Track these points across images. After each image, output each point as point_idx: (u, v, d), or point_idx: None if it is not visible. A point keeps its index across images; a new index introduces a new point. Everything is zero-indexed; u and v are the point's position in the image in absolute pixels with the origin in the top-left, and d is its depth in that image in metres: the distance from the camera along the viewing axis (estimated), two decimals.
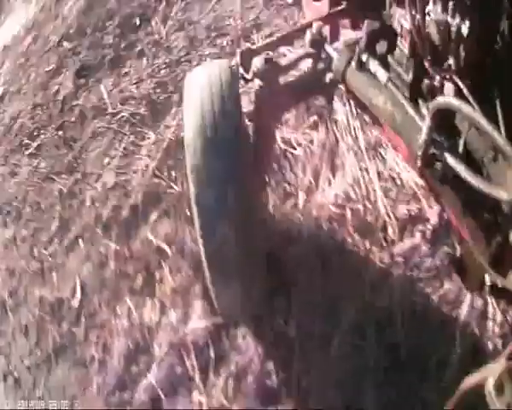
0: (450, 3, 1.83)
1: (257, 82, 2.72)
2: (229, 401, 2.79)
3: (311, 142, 3.56)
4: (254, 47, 2.87)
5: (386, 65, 2.31)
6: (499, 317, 2.72)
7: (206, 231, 2.34)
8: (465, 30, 1.80)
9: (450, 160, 1.90)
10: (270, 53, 2.71)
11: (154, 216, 3.44)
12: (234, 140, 2.34)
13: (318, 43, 2.74)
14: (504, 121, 1.73)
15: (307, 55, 2.79)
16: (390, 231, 3.14)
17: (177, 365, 2.89)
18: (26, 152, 4.12)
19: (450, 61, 1.91)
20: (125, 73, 4.30)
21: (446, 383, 2.65)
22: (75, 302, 3.24)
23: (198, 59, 4.21)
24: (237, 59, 2.81)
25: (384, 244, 3.11)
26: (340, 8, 2.85)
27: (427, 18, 1.95)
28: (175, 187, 3.53)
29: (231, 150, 2.32)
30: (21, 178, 3.99)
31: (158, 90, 4.08)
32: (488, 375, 1.32)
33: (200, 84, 2.45)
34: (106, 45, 4.54)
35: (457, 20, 1.83)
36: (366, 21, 2.46)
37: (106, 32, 4.63)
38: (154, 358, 2.94)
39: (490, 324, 2.72)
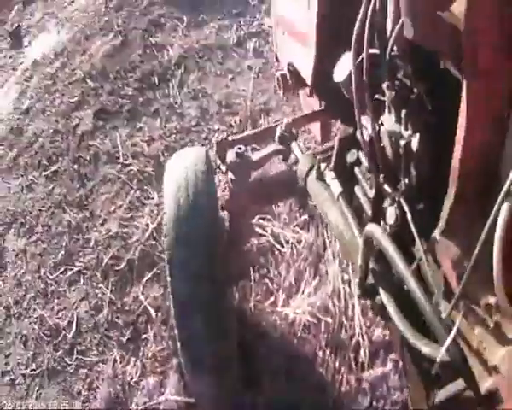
0: (403, 112, 1.78)
1: (229, 175, 2.84)
2: None
3: (299, 242, 3.59)
4: (230, 139, 2.95)
5: (352, 177, 2.26)
6: None
7: (179, 321, 2.41)
8: (415, 143, 1.73)
9: (384, 297, 1.84)
10: (243, 147, 2.80)
11: (146, 277, 3.60)
12: (208, 236, 2.37)
13: (287, 139, 2.82)
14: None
15: (277, 152, 2.88)
16: (362, 353, 3.09)
17: None
18: (44, 173, 4.43)
19: (404, 178, 1.84)
20: (140, 128, 4.59)
21: None
22: (70, 334, 3.44)
23: (207, 132, 4.44)
24: (214, 149, 2.92)
25: (353, 366, 3.05)
26: (322, 108, 2.88)
27: (382, 128, 1.91)
28: None
29: (205, 246, 2.35)
30: (36, 197, 4.29)
31: (166, 154, 4.25)
32: None
33: (178, 176, 2.50)
34: (125, 96, 4.84)
35: (409, 131, 1.77)
36: (340, 127, 2.50)
37: (126, 83, 4.94)
38: None
39: None
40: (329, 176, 2.35)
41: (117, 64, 5.11)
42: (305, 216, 3.73)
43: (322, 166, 2.42)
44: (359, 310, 3.20)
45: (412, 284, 1.58)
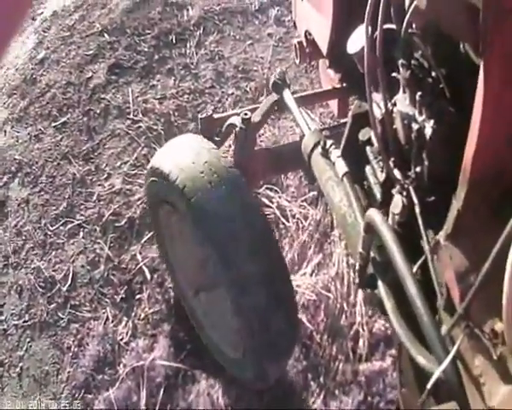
0: (418, 94, 1.60)
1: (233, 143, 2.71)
2: None
3: (306, 218, 3.38)
4: (216, 116, 2.82)
5: (363, 156, 2.03)
6: None
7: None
8: (429, 130, 1.55)
9: (383, 291, 1.69)
10: (248, 113, 2.58)
11: (146, 237, 3.45)
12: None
13: (280, 86, 2.64)
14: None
15: (274, 103, 2.67)
16: (361, 343, 2.89)
17: (134, 392, 2.87)
18: (53, 124, 4.24)
19: (414, 166, 1.67)
20: (153, 85, 4.38)
21: None
22: (65, 288, 3.32)
23: (220, 95, 4.22)
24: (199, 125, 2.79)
25: (351, 356, 2.86)
26: (342, 86, 2.69)
27: (395, 109, 1.75)
28: None
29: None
30: (44, 147, 4.12)
31: (177, 114, 4.09)
32: None
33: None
34: (141, 52, 4.62)
35: (423, 116, 1.60)
36: (354, 103, 2.25)
37: (143, 40, 4.70)
38: (118, 375, 2.94)
39: None
40: (335, 154, 2.12)
41: (135, 20, 4.87)
42: (315, 192, 3.48)
43: (329, 142, 2.18)
44: (362, 298, 2.99)
45: (409, 284, 1.40)
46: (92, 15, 5.04)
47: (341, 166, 2.06)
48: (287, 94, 2.61)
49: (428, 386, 1.26)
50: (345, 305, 2.99)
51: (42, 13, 5.30)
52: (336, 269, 3.11)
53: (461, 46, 1.38)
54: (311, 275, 3.13)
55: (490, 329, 1.24)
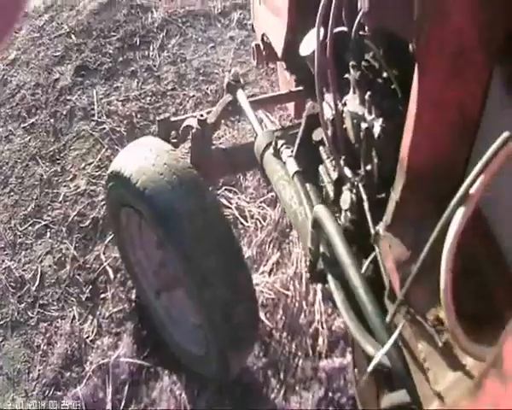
0: (367, 94, 1.60)
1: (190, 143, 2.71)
2: None
3: (264, 218, 3.43)
4: (174, 119, 2.88)
5: (316, 156, 2.06)
6: None
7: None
8: (377, 129, 1.55)
9: (332, 284, 1.73)
10: (204, 114, 2.64)
11: (109, 237, 3.49)
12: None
13: (233, 87, 2.71)
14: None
15: (227, 104, 2.72)
16: (320, 341, 2.89)
17: (100, 388, 2.91)
18: (22, 125, 4.35)
19: (364, 164, 1.68)
20: (117, 87, 4.47)
21: None
22: (34, 287, 3.38)
23: (182, 97, 4.29)
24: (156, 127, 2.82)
25: (310, 353, 2.86)
26: (299, 88, 2.74)
27: (345, 109, 1.75)
28: None
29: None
30: (13, 147, 4.21)
31: (139, 115, 4.18)
32: None
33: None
34: (106, 54, 4.72)
35: (372, 115, 1.60)
36: (308, 104, 2.27)
37: (109, 42, 4.80)
38: (85, 372, 2.99)
39: None
40: (286, 153, 2.20)
41: (101, 22, 4.98)
42: (273, 193, 3.49)
43: (280, 142, 2.25)
44: (321, 296, 3.01)
45: (352, 274, 1.47)
46: (61, 17, 5.15)
47: (292, 166, 2.12)
48: (240, 95, 2.68)
49: (369, 369, 1.31)
50: (304, 303, 3.01)
51: None
52: (295, 268, 3.15)
53: (410, 47, 1.34)
54: (270, 274, 3.18)
55: (434, 316, 1.25)
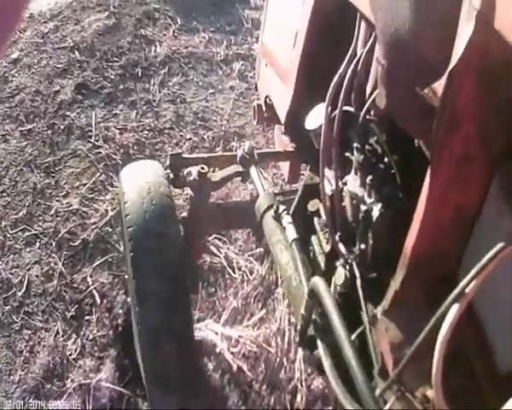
0: (369, 178, 1.70)
1: (190, 192, 2.79)
2: None
3: (251, 272, 3.54)
4: (186, 156, 2.92)
5: (311, 225, 2.18)
6: None
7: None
8: (376, 213, 1.66)
9: (321, 351, 1.80)
10: (205, 167, 2.72)
11: (98, 261, 3.66)
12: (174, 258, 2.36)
13: (247, 161, 2.75)
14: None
15: (237, 174, 2.82)
16: (298, 398, 2.98)
17: (80, 407, 3.02)
18: (20, 128, 4.59)
19: (359, 243, 1.77)
20: (115, 114, 4.72)
21: None
22: (20, 293, 3.53)
23: (179, 138, 4.50)
24: (167, 161, 2.86)
25: (288, 408, 2.96)
26: (290, 149, 2.78)
27: (345, 188, 1.85)
28: (121, 248, 3.64)
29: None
30: (9, 149, 4.44)
31: (136, 147, 4.39)
32: None
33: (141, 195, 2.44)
34: (107, 78, 4.99)
35: (372, 199, 1.70)
36: (306, 174, 2.44)
37: (111, 66, 5.09)
38: (66, 388, 3.09)
39: None
40: (286, 220, 2.29)
41: (105, 44, 5.26)
42: (261, 249, 3.69)
43: (281, 207, 2.36)
44: (302, 356, 3.12)
45: (346, 347, 1.53)
46: (65, 29, 5.43)
47: (291, 232, 2.21)
48: (253, 171, 2.75)
49: None
50: (285, 360, 3.11)
51: None
52: (278, 325, 3.25)
53: (415, 139, 1.48)
54: (254, 328, 3.28)
55: (421, 394, 1.34)
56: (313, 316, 1.89)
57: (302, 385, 3.03)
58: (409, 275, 1.48)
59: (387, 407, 1.38)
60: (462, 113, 1.22)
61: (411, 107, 1.40)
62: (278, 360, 3.14)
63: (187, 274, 2.52)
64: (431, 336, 1.21)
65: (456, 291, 1.15)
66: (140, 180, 2.54)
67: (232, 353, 3.19)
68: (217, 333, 3.28)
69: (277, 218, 2.38)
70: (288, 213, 2.34)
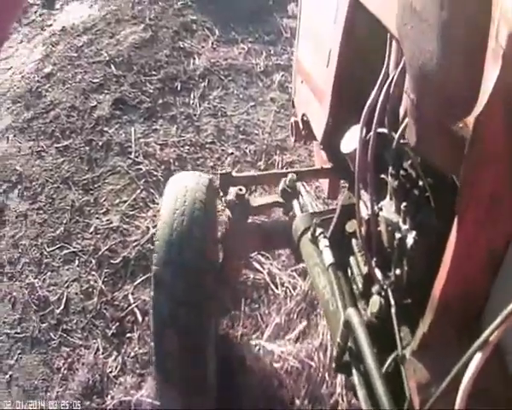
0: (403, 204, 1.70)
1: (227, 212, 2.77)
2: None
3: (295, 288, 3.51)
4: (235, 175, 2.86)
5: (349, 245, 2.18)
6: None
7: (155, 336, 2.39)
8: (410, 240, 1.67)
9: (356, 381, 1.81)
10: (243, 189, 2.68)
11: (139, 279, 3.62)
12: (196, 265, 2.33)
13: (289, 194, 2.72)
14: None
15: (277, 204, 2.80)
16: None
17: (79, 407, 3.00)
18: (55, 145, 4.57)
19: (394, 270, 1.78)
20: (155, 129, 4.69)
21: None
22: (58, 311, 3.51)
23: (221, 152, 4.46)
24: (217, 181, 2.82)
25: None
26: (329, 165, 2.79)
27: (380, 213, 1.84)
28: None
29: (190, 274, 2.31)
30: (45, 166, 4.41)
31: (177, 163, 4.35)
32: None
33: (176, 198, 2.46)
34: (146, 92, 4.96)
35: (406, 226, 1.70)
36: (345, 193, 2.44)
37: (149, 80, 5.06)
38: (105, 405, 3.08)
39: None
40: (323, 243, 2.28)
41: (143, 58, 5.24)
42: (304, 265, 3.35)
43: (318, 230, 2.34)
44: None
45: (378, 385, 1.56)
46: (100, 42, 5.41)
47: (328, 257, 2.21)
48: (295, 204, 2.73)
49: None
50: (326, 375, 3.08)
51: (51, 25, 5.64)
52: (320, 340, 3.22)
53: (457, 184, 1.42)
54: (296, 342, 3.25)
55: None
56: (349, 343, 1.89)
57: (343, 400, 3.01)
58: (437, 318, 1.49)
59: None
60: (491, 152, 1.22)
61: (441, 142, 1.40)
62: (320, 375, 3.11)
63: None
64: (456, 379, 1.23)
65: (480, 339, 1.15)
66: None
67: (275, 368, 3.16)
68: (259, 349, 3.26)
69: (314, 241, 2.37)
70: (325, 237, 2.32)
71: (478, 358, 1.17)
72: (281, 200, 2.80)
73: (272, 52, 5.54)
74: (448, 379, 1.23)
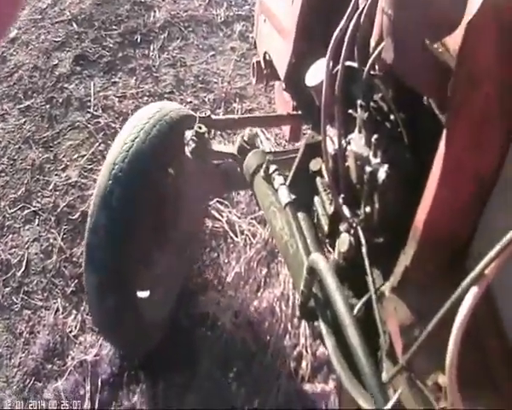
0: (374, 137, 1.56)
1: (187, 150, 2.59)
2: None
3: (254, 235, 3.43)
4: (214, 117, 2.74)
5: (313, 186, 2.01)
6: None
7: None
8: (382, 174, 1.52)
9: (323, 329, 1.69)
10: (203, 128, 2.53)
11: None
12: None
13: (246, 151, 2.50)
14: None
15: (233, 156, 2.61)
16: (304, 365, 2.88)
17: (81, 385, 2.93)
18: (18, 106, 4.45)
19: (364, 206, 1.64)
20: (114, 82, 4.56)
21: None
22: (19, 273, 3.42)
23: (179, 102, 4.20)
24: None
25: (293, 375, 2.85)
26: (297, 112, 2.68)
27: (348, 147, 1.71)
28: None
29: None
30: (8, 128, 4.30)
31: None
32: None
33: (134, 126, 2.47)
34: (106, 47, 4.81)
35: (377, 159, 1.56)
36: (309, 133, 2.28)
37: (109, 35, 4.90)
38: (66, 367, 3.02)
39: None
40: (278, 181, 2.15)
41: (104, 14, 5.08)
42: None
43: (272, 167, 2.21)
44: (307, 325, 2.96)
45: (351, 334, 1.42)
46: (63, 2, 5.24)
47: (284, 195, 2.07)
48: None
49: None
50: (289, 326, 3.01)
51: None
52: (282, 289, 3.15)
53: (424, 96, 1.34)
54: (256, 292, 3.19)
55: (433, 381, 1.22)
56: (313, 290, 1.77)
57: (307, 351, 2.93)
58: (420, 250, 1.33)
59: (396, 396, 1.26)
60: (482, 72, 1.11)
61: (420, 61, 1.26)
62: (282, 325, 3.03)
63: None
64: (443, 319, 1.09)
65: (474, 272, 1.01)
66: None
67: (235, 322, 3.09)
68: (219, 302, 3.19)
69: (268, 179, 2.23)
70: (279, 174, 2.19)
71: (473, 292, 1.02)
72: (237, 155, 2.61)
73: (233, 3, 5.34)
74: (437, 317, 1.09)
